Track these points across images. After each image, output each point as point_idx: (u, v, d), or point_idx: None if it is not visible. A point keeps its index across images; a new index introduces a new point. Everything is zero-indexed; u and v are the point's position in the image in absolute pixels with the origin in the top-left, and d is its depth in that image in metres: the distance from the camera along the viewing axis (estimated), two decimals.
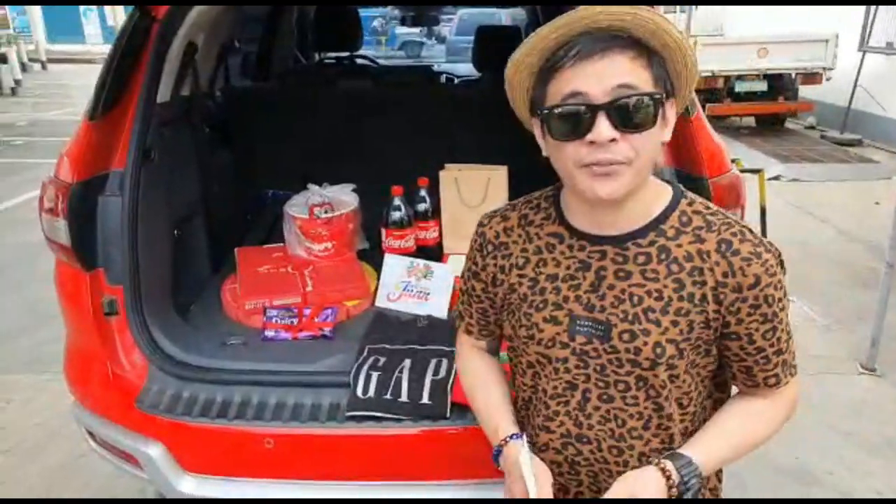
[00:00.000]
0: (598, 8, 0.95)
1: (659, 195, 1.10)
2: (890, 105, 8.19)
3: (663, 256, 1.06)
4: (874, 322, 3.35)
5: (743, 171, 2.26)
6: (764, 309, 1.05)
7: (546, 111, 1.00)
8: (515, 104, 1.11)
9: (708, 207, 1.10)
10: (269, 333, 2.04)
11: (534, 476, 1.07)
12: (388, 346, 1.92)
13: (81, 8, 28.51)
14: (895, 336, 3.55)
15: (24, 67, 16.67)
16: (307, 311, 2.10)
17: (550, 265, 1.12)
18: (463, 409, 1.68)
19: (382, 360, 1.86)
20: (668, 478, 1.02)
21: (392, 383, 1.77)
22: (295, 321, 2.07)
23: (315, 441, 1.73)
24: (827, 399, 3.12)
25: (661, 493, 1.01)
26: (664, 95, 0.99)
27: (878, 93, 8.37)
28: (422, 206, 2.46)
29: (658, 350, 1.05)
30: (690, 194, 1.13)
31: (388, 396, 1.73)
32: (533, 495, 1.05)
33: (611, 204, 1.02)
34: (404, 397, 1.73)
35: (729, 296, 1.04)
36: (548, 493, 1.07)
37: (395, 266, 2.26)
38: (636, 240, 1.07)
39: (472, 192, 2.41)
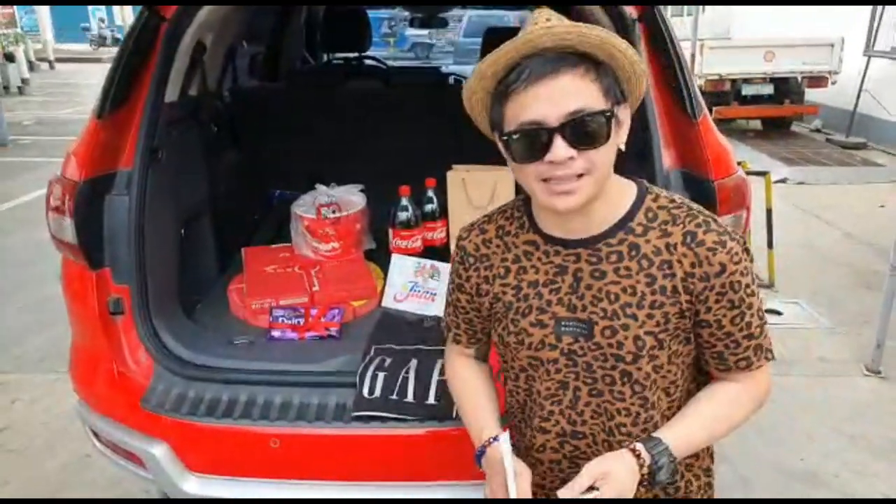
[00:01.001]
0: (541, 30, 0.99)
1: (623, 194, 1.14)
2: (895, 109, 8.16)
3: (633, 253, 1.11)
4: (879, 325, 3.34)
5: (749, 173, 2.26)
6: (731, 296, 1.08)
7: (505, 137, 1.05)
8: (479, 124, 1.15)
9: (672, 201, 1.14)
10: (276, 333, 2.04)
11: (514, 474, 1.08)
12: (394, 347, 1.93)
13: (90, 7, 28.63)
14: None
15: (31, 66, 16.75)
16: (314, 311, 2.11)
17: (531, 272, 1.17)
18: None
19: (389, 360, 1.86)
20: (639, 457, 1.06)
21: (398, 384, 1.77)
22: (301, 321, 2.07)
23: (321, 441, 1.73)
24: (832, 401, 3.11)
25: (632, 472, 1.05)
26: (615, 107, 1.03)
27: (884, 97, 8.35)
28: (429, 207, 2.46)
29: (639, 343, 1.09)
30: (655, 189, 1.16)
31: (394, 397, 1.73)
32: (513, 493, 1.06)
33: (575, 212, 1.07)
34: (410, 398, 1.73)
35: (697, 285, 1.08)
36: (526, 492, 1.09)
37: (402, 266, 2.27)
38: (607, 240, 1.12)
39: (480, 192, 2.41)
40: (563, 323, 1.13)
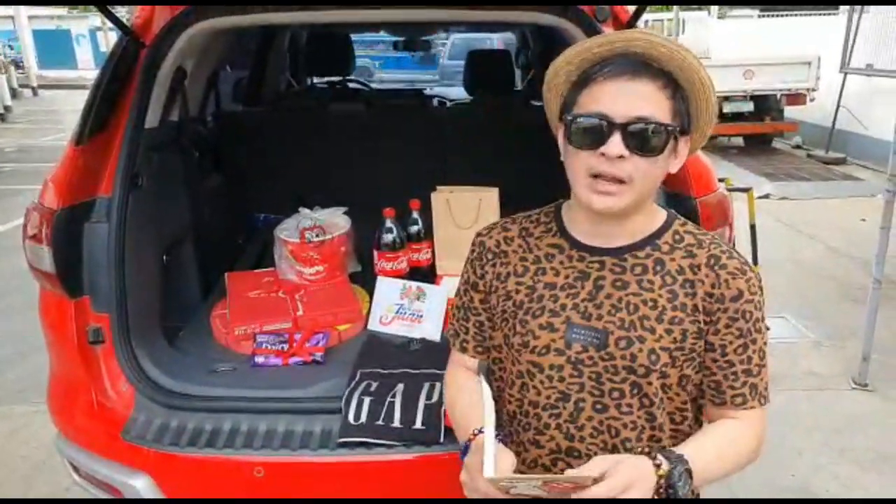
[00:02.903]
0: (639, 33, 1.06)
1: (654, 216, 1.18)
2: (872, 124, 8.31)
3: (658, 268, 1.12)
4: (865, 338, 3.36)
5: (732, 189, 2.27)
6: (741, 324, 1.10)
7: (571, 118, 1.08)
8: (548, 105, 1.18)
9: (699, 229, 1.19)
10: (260, 359, 2.01)
11: (493, 456, 1.02)
12: (380, 371, 1.90)
13: (74, 34, 28.66)
14: (886, 351, 3.57)
15: (14, 94, 16.67)
16: (298, 336, 2.08)
17: (549, 274, 1.17)
18: (462, 453, 1.66)
19: (375, 384, 1.83)
20: (656, 461, 1.00)
21: (385, 409, 1.74)
22: (285, 346, 2.04)
23: (306, 469, 1.69)
24: (820, 415, 3.12)
25: (647, 477, 0.98)
26: (678, 129, 1.07)
27: (860, 112, 8.51)
28: (414, 228, 2.45)
29: (653, 357, 1.09)
30: (683, 219, 1.21)
31: (380, 422, 1.71)
32: (489, 471, 0.99)
33: (611, 217, 1.10)
34: (397, 423, 1.71)
35: (713, 305, 1.10)
36: (506, 471, 1.03)
37: (387, 289, 2.25)
38: (633, 252, 1.14)
39: (464, 213, 2.41)
40: (575, 329, 1.12)
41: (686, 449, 1.06)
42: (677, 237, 1.15)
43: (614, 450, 1.12)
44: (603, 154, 1.03)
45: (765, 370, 1.14)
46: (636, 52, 1.05)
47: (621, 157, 1.02)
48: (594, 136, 1.04)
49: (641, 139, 1.03)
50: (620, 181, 1.04)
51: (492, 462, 1.00)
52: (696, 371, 1.13)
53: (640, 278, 1.12)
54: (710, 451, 1.09)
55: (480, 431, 1.09)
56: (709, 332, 1.10)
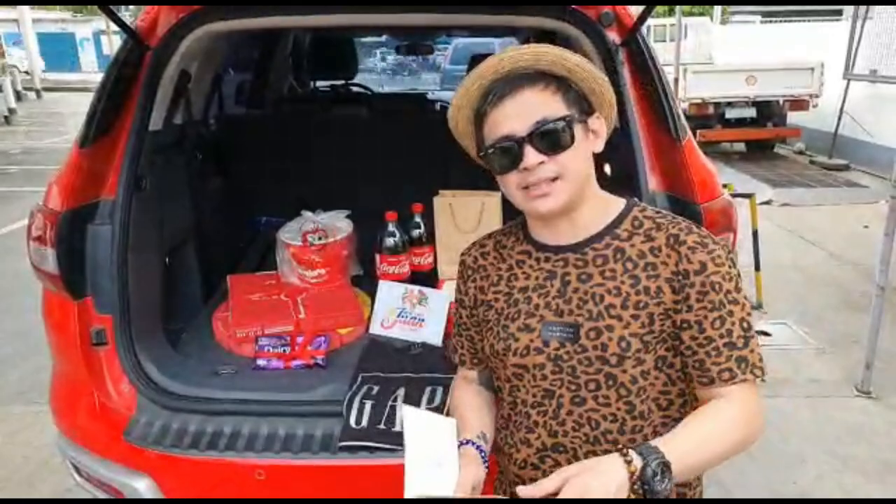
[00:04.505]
0: (497, 57, 1.13)
1: (608, 206, 1.22)
2: (875, 131, 8.30)
3: (619, 256, 1.16)
4: (868, 345, 3.35)
5: (734, 195, 2.27)
6: (712, 296, 1.10)
7: (483, 153, 1.16)
8: (468, 150, 1.26)
9: (658, 212, 1.21)
10: (261, 362, 2.01)
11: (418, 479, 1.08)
12: (381, 375, 1.90)
13: (78, 37, 28.77)
14: (889, 358, 3.56)
15: (18, 96, 16.72)
16: (300, 339, 2.08)
17: (521, 279, 1.22)
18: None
19: (376, 388, 1.83)
20: (626, 456, 0.99)
21: (386, 412, 1.74)
22: (287, 349, 2.04)
23: (307, 472, 1.69)
24: (823, 423, 3.10)
25: (615, 475, 0.97)
26: (579, 115, 1.13)
27: (864, 119, 8.49)
28: (416, 232, 2.45)
29: (623, 344, 1.11)
30: (643, 204, 1.25)
31: (381, 426, 1.70)
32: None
33: (559, 215, 1.16)
34: (399, 427, 1.70)
35: (680, 282, 1.11)
36: (467, 484, 1.10)
37: (389, 293, 2.25)
38: (593, 244, 1.18)
39: (467, 217, 2.41)
40: (549, 327, 1.16)
41: (666, 440, 1.03)
42: (636, 223, 1.18)
43: (596, 442, 1.13)
44: (526, 168, 1.10)
45: (753, 341, 1.11)
46: (507, 71, 1.12)
47: (541, 162, 1.10)
48: (510, 157, 1.11)
49: (550, 139, 1.10)
50: (552, 179, 1.11)
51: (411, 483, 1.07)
52: (674, 354, 1.13)
53: (601, 269, 1.15)
54: (689, 437, 1.05)
55: (464, 443, 1.17)
56: (682, 310, 1.11)
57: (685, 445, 1.03)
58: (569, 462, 1.13)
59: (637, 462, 0.98)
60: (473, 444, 1.18)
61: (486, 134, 1.15)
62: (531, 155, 1.10)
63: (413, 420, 1.15)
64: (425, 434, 1.13)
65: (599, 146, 1.17)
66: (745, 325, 1.11)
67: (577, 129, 1.12)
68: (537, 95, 1.11)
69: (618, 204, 1.21)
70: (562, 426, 1.15)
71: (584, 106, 1.15)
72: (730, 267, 1.12)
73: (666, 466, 0.98)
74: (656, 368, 1.13)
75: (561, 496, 0.96)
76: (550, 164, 1.10)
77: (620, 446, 1.10)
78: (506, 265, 1.25)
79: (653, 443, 1.02)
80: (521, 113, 1.10)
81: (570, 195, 1.13)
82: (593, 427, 1.14)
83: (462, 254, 1.34)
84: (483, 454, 1.18)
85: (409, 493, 1.06)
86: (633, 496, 0.98)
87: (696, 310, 1.10)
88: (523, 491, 1.00)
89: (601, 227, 1.18)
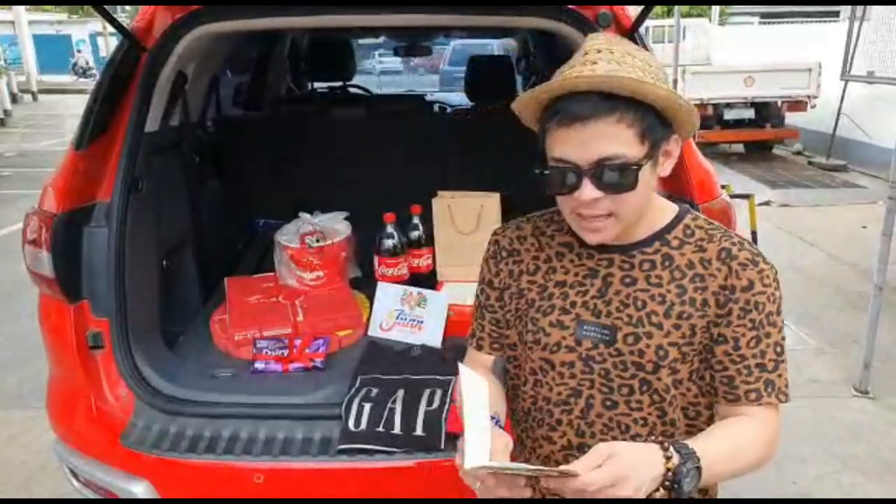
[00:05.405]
0: (576, 76, 1.00)
1: (663, 211, 1.16)
2: (873, 131, 8.31)
3: (667, 263, 1.12)
4: (866, 345, 3.35)
5: (733, 196, 2.27)
6: (753, 315, 1.08)
7: (538, 171, 1.08)
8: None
9: (710, 223, 1.16)
10: (259, 365, 2.00)
11: (477, 445, 0.96)
12: (380, 377, 1.89)
13: (74, 39, 28.72)
14: (887, 359, 3.56)
15: (14, 98, 16.68)
16: (298, 342, 2.07)
17: (560, 272, 1.17)
18: (457, 440, 1.65)
19: (375, 391, 1.83)
20: (667, 451, 0.96)
21: (385, 415, 1.73)
22: (285, 352, 2.03)
23: (306, 476, 1.68)
24: (823, 423, 3.10)
25: (652, 465, 0.95)
26: (651, 148, 1.03)
27: (861, 120, 8.51)
28: (415, 234, 2.45)
29: (661, 353, 1.08)
30: (696, 213, 1.19)
31: (380, 429, 1.70)
32: (467, 462, 0.94)
33: None
34: (397, 429, 1.70)
35: (726, 297, 1.08)
36: (502, 451, 1.00)
37: (388, 295, 2.24)
38: (642, 248, 1.13)
39: (465, 218, 2.40)
40: (585, 326, 1.12)
41: (699, 444, 1.00)
42: (688, 231, 1.14)
43: None
44: (580, 201, 1.03)
45: (783, 366, 1.11)
46: (581, 91, 1.00)
47: (597, 199, 1.02)
48: (565, 183, 1.04)
49: (612, 179, 1.01)
50: (606, 216, 1.05)
51: (471, 452, 0.96)
52: (706, 367, 1.11)
53: (647, 274, 1.11)
54: (724, 449, 1.05)
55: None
56: (721, 324, 1.08)
57: (716, 455, 1.02)
58: None
59: (675, 460, 0.96)
60: (492, 417, 1.10)
61: (548, 145, 1.06)
62: (588, 189, 1.02)
63: (466, 379, 1.04)
64: (474, 394, 1.04)
65: (668, 168, 1.10)
66: (778, 349, 1.11)
67: (645, 171, 1.03)
68: (609, 128, 1.00)
69: (671, 209, 1.17)
70: (590, 427, 1.13)
71: (659, 135, 1.04)
72: (775, 289, 1.10)
73: (698, 471, 0.97)
74: (689, 380, 1.11)
75: (604, 467, 0.93)
76: (607, 201, 1.03)
77: (661, 441, 1.06)
78: (544, 255, 1.20)
79: (689, 444, 1.00)
80: (585, 142, 1.00)
81: (623, 228, 1.08)
82: (623, 431, 1.12)
83: (495, 233, 1.28)
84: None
85: (470, 461, 0.95)
86: (656, 495, 0.96)
87: (734, 326, 1.08)
88: (571, 467, 0.93)
89: (651, 231, 1.14)
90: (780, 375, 1.11)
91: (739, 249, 1.10)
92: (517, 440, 1.24)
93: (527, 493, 1.01)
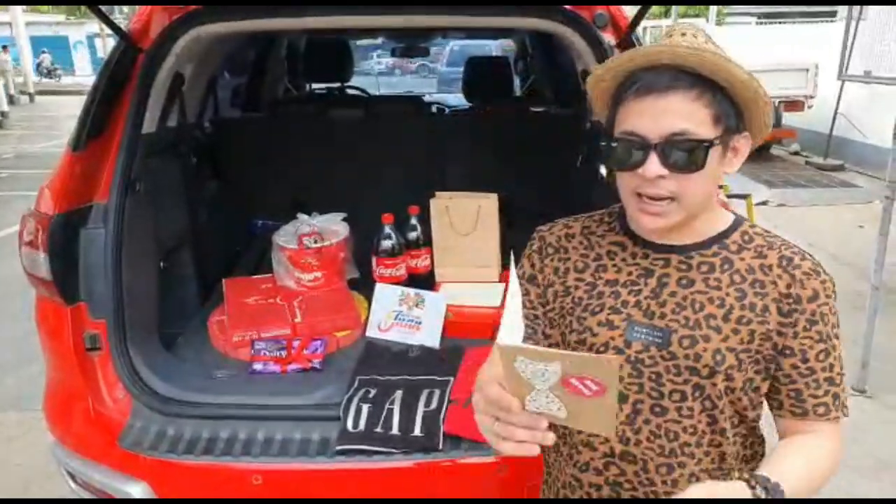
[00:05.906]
0: (663, 46, 1.00)
1: (722, 218, 1.14)
2: (869, 131, 8.33)
3: (726, 266, 1.08)
4: (864, 344, 3.35)
5: (731, 196, 2.27)
6: (820, 327, 1.05)
7: (604, 142, 1.06)
8: (600, 118, 1.16)
9: (768, 232, 1.15)
10: (258, 366, 2.00)
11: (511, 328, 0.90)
12: (378, 378, 1.89)
13: (71, 41, 28.71)
14: (884, 358, 3.56)
15: (11, 100, 16.66)
16: (296, 343, 2.07)
17: (611, 271, 1.14)
18: (456, 441, 1.65)
19: (373, 391, 1.83)
20: (754, 489, 0.93)
21: (383, 416, 1.73)
22: (283, 353, 2.03)
23: (304, 476, 1.68)
24: None
25: (745, 496, 0.92)
26: (724, 133, 1.02)
27: (858, 119, 8.53)
28: (413, 235, 2.45)
29: (718, 357, 1.04)
30: (750, 221, 1.17)
31: (379, 430, 1.70)
32: (500, 340, 0.86)
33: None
34: (395, 430, 1.70)
35: (790, 307, 1.05)
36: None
37: (386, 295, 2.24)
38: (700, 250, 1.10)
39: (463, 219, 2.40)
40: (636, 327, 1.08)
41: (776, 469, 0.98)
42: (746, 237, 1.11)
43: (671, 454, 1.07)
44: (644, 176, 1.00)
45: (845, 380, 1.09)
46: (664, 63, 1.00)
47: (661, 176, 0.99)
48: (631, 157, 1.01)
49: (680, 157, 0.99)
50: (668, 198, 1.02)
51: (508, 332, 0.91)
52: (763, 378, 1.08)
53: (706, 276, 1.08)
54: (802, 473, 1.01)
55: None
56: (787, 335, 1.05)
57: (795, 481, 0.98)
58: (636, 475, 1.08)
59: (761, 495, 0.93)
60: None
61: (618, 118, 1.04)
62: (653, 165, 0.99)
63: (514, 283, 0.98)
64: (515, 297, 0.97)
65: (736, 166, 1.07)
66: (841, 362, 1.09)
67: (714, 153, 1.01)
68: (686, 104, 0.98)
69: (728, 216, 1.14)
70: (636, 434, 1.08)
71: (733, 123, 1.03)
72: (835, 300, 1.08)
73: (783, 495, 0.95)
74: (741, 389, 1.06)
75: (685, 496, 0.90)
76: (671, 182, 1.00)
77: (700, 469, 1.05)
78: (594, 253, 1.16)
79: (773, 478, 0.96)
80: (659, 116, 0.99)
81: (683, 217, 1.04)
82: (671, 439, 1.07)
83: (539, 229, 1.23)
84: None
85: (502, 340, 0.87)
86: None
87: (801, 337, 1.05)
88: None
89: (710, 234, 1.10)
90: (843, 389, 1.08)
91: (802, 259, 1.08)
92: (553, 447, 1.18)
93: (550, 439, 0.89)
